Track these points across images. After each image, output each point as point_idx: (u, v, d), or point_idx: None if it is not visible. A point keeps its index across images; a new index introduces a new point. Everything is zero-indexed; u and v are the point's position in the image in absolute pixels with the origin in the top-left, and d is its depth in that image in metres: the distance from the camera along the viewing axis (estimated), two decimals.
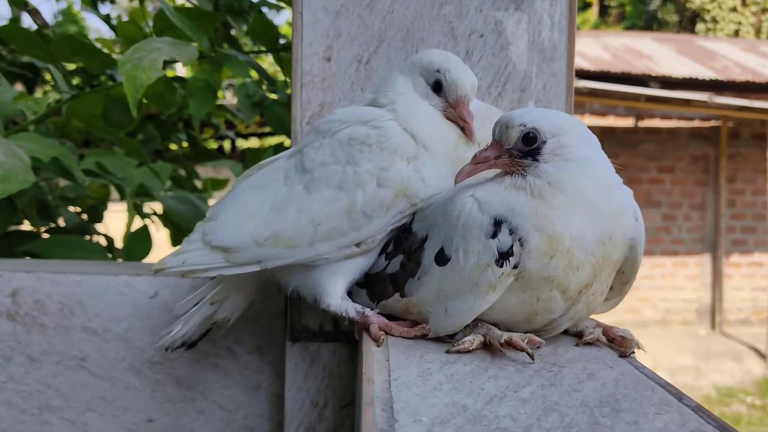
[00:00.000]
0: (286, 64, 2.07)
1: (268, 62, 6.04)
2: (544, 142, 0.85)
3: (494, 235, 0.83)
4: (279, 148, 2.16)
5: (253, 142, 8.17)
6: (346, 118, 1.05)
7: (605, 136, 7.82)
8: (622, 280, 0.93)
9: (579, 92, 6.71)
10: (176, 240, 2.17)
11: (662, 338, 7.89)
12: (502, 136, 0.88)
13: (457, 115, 1.03)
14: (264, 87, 2.26)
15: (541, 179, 0.83)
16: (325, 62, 1.30)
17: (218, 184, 2.73)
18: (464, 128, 1.03)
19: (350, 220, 0.99)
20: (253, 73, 2.12)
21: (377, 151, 1.00)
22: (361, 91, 1.30)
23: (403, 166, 0.99)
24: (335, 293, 1.01)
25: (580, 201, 0.82)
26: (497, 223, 0.83)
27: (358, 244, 1.01)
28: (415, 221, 0.99)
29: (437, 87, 1.05)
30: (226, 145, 5.31)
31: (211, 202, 2.45)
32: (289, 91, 2.17)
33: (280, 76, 2.37)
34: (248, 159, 2.28)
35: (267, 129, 5.40)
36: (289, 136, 1.54)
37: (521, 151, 0.86)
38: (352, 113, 1.06)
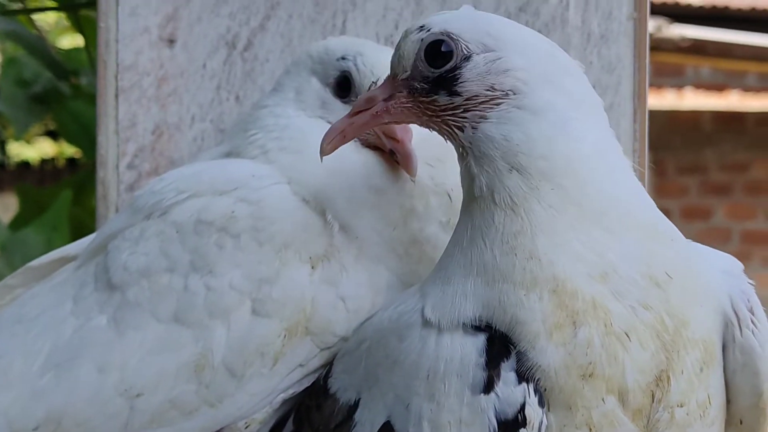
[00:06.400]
0: (89, 27, 1.36)
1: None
2: (467, 58, 0.64)
3: (488, 387, 0.62)
4: (88, 173, 1.39)
5: (41, 149, 4.51)
6: (190, 182, 0.79)
7: (723, 129, 4.11)
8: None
9: (673, 48, 3.78)
10: None
11: None
12: (398, 62, 0.68)
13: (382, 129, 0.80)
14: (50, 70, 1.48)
15: (486, 146, 0.64)
16: (165, 46, 0.97)
17: None
18: (396, 152, 0.76)
19: (201, 384, 0.74)
20: (14, 47, 1.42)
21: (251, 245, 0.76)
22: (237, 102, 0.97)
23: (302, 273, 0.76)
24: None
25: (583, 198, 0.62)
26: (493, 359, 0.62)
27: None
28: (333, 375, 0.77)
29: (343, 86, 0.82)
30: None
31: None
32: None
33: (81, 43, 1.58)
34: (23, 206, 1.46)
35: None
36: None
37: (426, 78, 0.66)
38: (202, 173, 0.81)
